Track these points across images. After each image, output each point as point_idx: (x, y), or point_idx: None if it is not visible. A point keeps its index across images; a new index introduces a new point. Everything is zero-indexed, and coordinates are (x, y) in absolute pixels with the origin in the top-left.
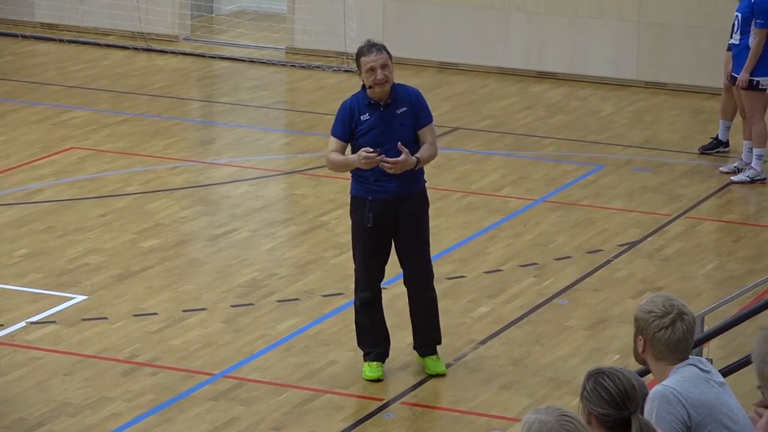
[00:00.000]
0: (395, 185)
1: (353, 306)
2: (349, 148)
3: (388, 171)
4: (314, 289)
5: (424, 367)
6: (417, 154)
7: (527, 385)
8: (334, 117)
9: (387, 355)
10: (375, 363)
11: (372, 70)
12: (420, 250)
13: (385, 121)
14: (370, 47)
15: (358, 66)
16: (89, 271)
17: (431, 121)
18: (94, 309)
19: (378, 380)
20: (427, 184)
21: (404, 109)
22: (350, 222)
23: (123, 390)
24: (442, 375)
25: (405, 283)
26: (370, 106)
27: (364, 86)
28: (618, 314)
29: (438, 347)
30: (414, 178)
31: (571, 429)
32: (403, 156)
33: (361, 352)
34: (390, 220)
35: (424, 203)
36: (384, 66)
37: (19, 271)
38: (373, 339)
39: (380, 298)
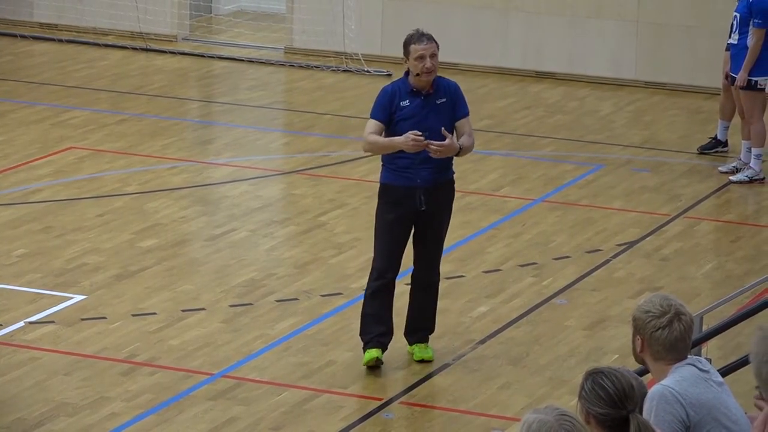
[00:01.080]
0: (429, 173)
1: (363, 295)
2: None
3: (433, 155)
4: (313, 289)
5: (411, 354)
6: (459, 142)
7: (526, 385)
8: (374, 102)
9: (386, 347)
10: (375, 349)
11: (422, 58)
12: (438, 235)
13: (425, 110)
14: (421, 36)
15: (407, 53)
16: (88, 271)
17: (468, 113)
18: (93, 309)
19: (378, 361)
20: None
21: (444, 99)
22: (374, 212)
23: (122, 390)
24: (428, 361)
25: (415, 265)
26: (412, 93)
27: (407, 74)
28: (617, 314)
29: (429, 337)
30: (446, 166)
31: (570, 428)
32: (448, 140)
33: (360, 352)
34: (419, 209)
35: (453, 192)
36: (433, 55)
37: (18, 271)
38: (377, 329)
39: (393, 290)
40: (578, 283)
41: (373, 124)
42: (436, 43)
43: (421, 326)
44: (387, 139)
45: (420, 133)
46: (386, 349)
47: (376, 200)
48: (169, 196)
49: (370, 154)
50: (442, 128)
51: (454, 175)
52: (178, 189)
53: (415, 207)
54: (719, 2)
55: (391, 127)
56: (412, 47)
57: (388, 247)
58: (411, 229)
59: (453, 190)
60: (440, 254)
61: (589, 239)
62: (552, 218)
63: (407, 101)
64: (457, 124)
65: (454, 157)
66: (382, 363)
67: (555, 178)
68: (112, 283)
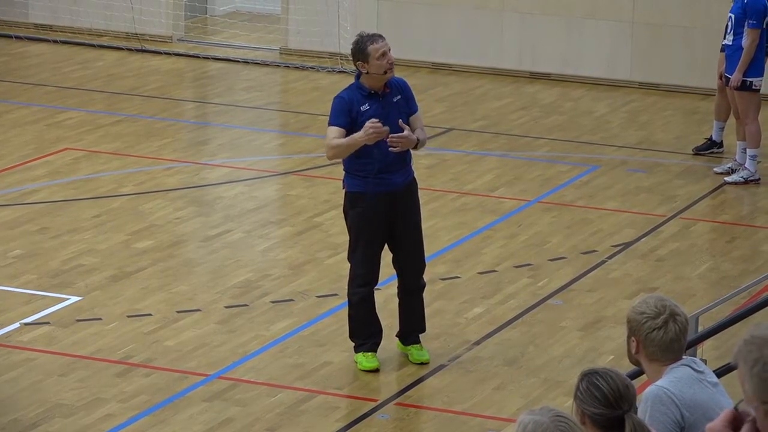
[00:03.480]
0: (396, 176)
1: (348, 301)
2: None
3: (393, 148)
4: (308, 289)
5: (408, 355)
6: (415, 135)
7: (521, 386)
8: (331, 111)
9: (379, 345)
10: (370, 353)
11: (384, 54)
12: (417, 236)
13: (385, 110)
14: (372, 36)
15: (364, 57)
16: (83, 272)
17: (418, 107)
18: (89, 310)
19: (375, 370)
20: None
21: (399, 97)
22: (347, 220)
23: (117, 391)
24: (425, 363)
25: (398, 270)
26: (370, 96)
27: (357, 78)
28: (612, 315)
29: (426, 338)
30: (407, 166)
31: (565, 429)
32: (406, 131)
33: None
34: (392, 211)
35: (417, 190)
36: (389, 50)
37: (13, 272)
38: (369, 330)
39: (374, 293)
40: (574, 284)
41: (334, 131)
42: None
43: (414, 329)
44: (346, 139)
45: (377, 120)
46: (379, 345)
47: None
48: (164, 197)
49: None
50: (399, 120)
51: (414, 174)
52: (173, 190)
53: (387, 211)
54: (714, 3)
55: (354, 132)
56: (371, 47)
57: (369, 255)
58: (387, 231)
59: (416, 187)
60: (423, 257)
61: (585, 240)
62: (547, 219)
63: (367, 105)
64: (411, 119)
65: (420, 152)
66: (379, 369)
67: (550, 179)
68: (107, 284)
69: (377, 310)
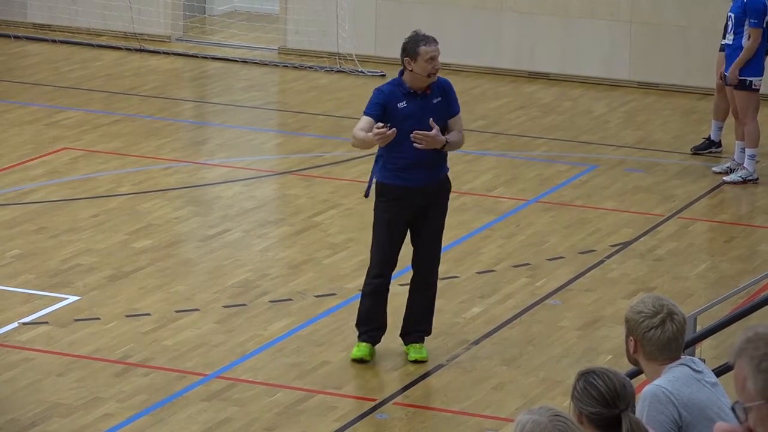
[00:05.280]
0: (424, 173)
1: (361, 291)
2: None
3: (418, 145)
4: (307, 289)
5: (406, 354)
6: (446, 137)
7: (520, 386)
8: (369, 100)
9: (379, 340)
10: (364, 344)
11: (433, 59)
12: (438, 234)
13: (422, 111)
14: (427, 38)
15: (413, 55)
16: (82, 271)
17: (459, 110)
18: (87, 309)
19: (360, 360)
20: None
21: (439, 98)
22: (369, 212)
23: (115, 390)
24: (422, 361)
25: (413, 264)
26: (410, 95)
27: (401, 74)
28: (610, 314)
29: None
30: (440, 164)
31: (564, 429)
32: (434, 131)
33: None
34: (417, 208)
35: (449, 188)
36: (438, 55)
37: (12, 271)
38: (372, 323)
39: (388, 287)
40: (572, 284)
41: (364, 120)
42: None
43: (417, 328)
44: (364, 134)
45: (382, 125)
46: (378, 341)
47: (372, 201)
48: (162, 196)
49: (358, 149)
50: (430, 119)
51: (448, 172)
52: (171, 189)
53: (412, 207)
54: (712, 2)
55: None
56: (423, 49)
57: (385, 246)
58: (407, 229)
59: (448, 186)
60: (439, 254)
61: (583, 240)
62: (546, 219)
63: (404, 102)
64: (450, 121)
65: (444, 153)
66: (367, 361)
67: (549, 179)
68: (105, 284)
69: None
